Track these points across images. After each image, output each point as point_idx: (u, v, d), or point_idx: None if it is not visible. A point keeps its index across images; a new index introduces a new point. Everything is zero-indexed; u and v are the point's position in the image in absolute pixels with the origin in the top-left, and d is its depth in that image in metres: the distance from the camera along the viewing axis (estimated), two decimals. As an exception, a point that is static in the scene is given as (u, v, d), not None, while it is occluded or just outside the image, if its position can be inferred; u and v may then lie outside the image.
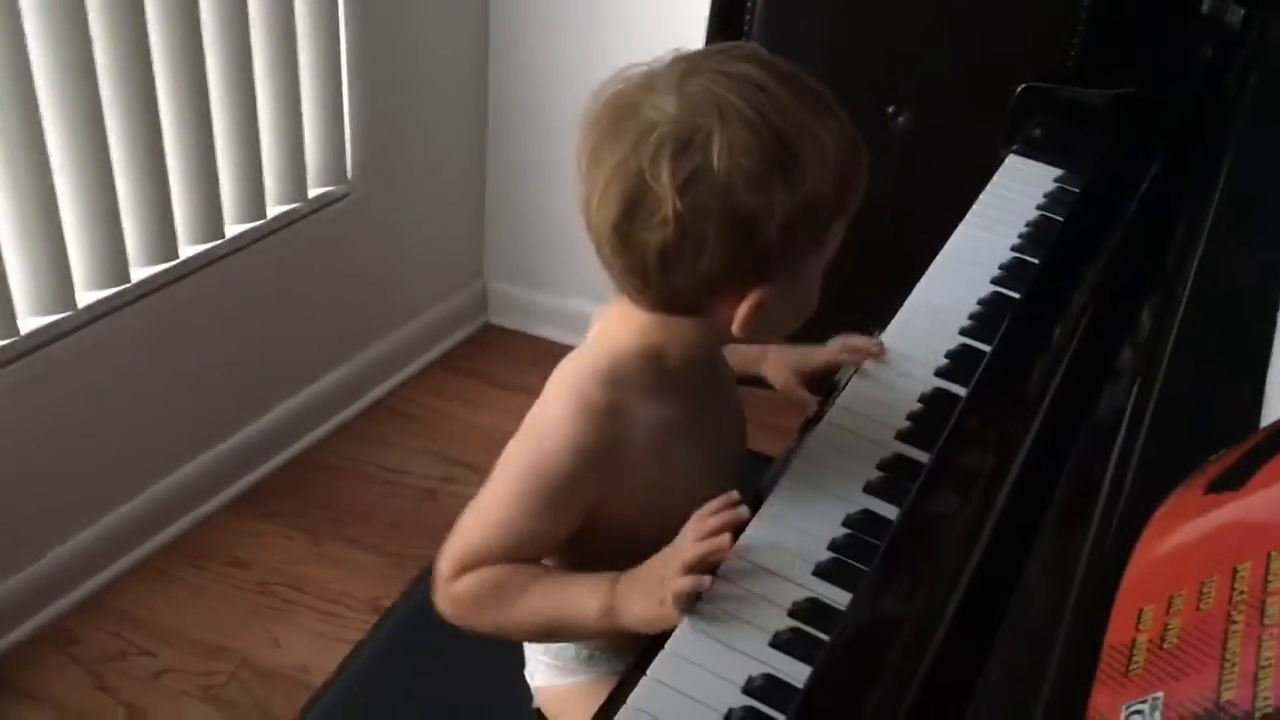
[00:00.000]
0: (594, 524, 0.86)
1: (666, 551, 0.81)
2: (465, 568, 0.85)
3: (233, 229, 1.82)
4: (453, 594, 0.86)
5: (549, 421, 0.84)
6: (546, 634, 0.93)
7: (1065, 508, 0.65)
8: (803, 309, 0.85)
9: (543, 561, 0.88)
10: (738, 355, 1.01)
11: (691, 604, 0.78)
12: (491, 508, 0.86)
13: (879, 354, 1.04)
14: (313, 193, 1.97)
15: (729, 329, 0.81)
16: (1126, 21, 1.54)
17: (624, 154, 0.75)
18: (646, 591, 0.80)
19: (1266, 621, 0.45)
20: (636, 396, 0.84)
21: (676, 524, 0.84)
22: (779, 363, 1.07)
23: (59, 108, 1.49)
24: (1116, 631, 0.50)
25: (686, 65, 0.77)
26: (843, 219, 0.81)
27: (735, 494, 0.82)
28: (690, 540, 0.80)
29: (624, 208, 0.75)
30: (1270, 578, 0.47)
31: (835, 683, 0.68)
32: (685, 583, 0.77)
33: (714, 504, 0.81)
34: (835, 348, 1.06)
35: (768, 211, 0.74)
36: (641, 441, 0.85)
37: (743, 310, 0.79)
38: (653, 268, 0.77)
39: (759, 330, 0.81)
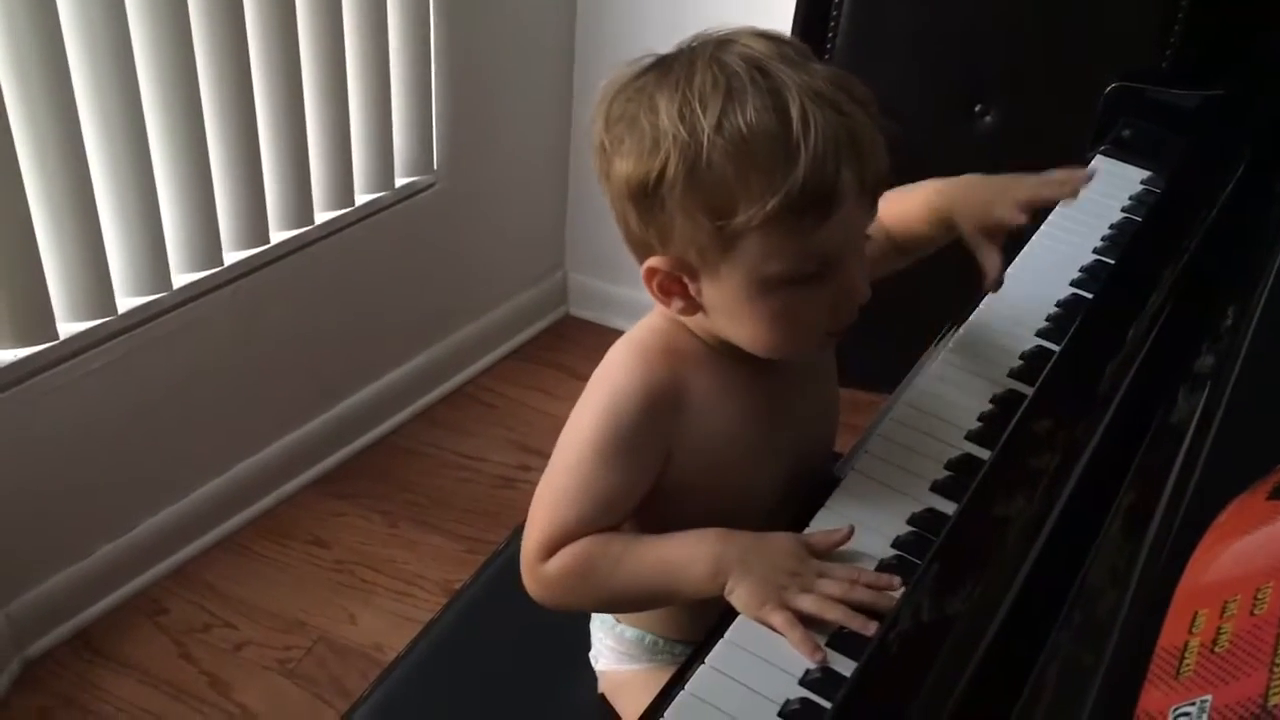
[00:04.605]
0: (657, 494, 0.85)
1: (796, 546, 0.79)
2: (554, 545, 0.83)
3: (322, 216, 1.87)
4: (545, 577, 0.84)
5: (611, 373, 0.85)
6: (650, 602, 0.90)
7: (1128, 511, 0.65)
8: (745, 323, 0.80)
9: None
10: (895, 222, 0.94)
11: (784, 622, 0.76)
12: (569, 473, 0.84)
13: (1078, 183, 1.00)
14: (400, 182, 2.01)
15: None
16: (1222, 23, 1.51)
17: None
18: (764, 583, 0.77)
19: (1319, 628, 0.45)
20: (687, 364, 0.85)
21: (743, 503, 0.84)
22: (967, 214, 0.98)
23: (159, 97, 1.55)
24: (1170, 634, 0.50)
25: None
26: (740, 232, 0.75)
27: (898, 580, 0.78)
28: (841, 573, 0.77)
29: None
30: (1325, 585, 0.46)
31: (882, 675, 0.68)
32: (805, 602, 0.76)
33: (882, 577, 0.78)
34: (1032, 184, 0.99)
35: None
36: (701, 404, 0.84)
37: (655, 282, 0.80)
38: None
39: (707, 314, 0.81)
